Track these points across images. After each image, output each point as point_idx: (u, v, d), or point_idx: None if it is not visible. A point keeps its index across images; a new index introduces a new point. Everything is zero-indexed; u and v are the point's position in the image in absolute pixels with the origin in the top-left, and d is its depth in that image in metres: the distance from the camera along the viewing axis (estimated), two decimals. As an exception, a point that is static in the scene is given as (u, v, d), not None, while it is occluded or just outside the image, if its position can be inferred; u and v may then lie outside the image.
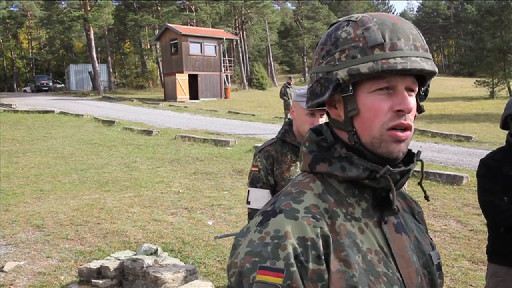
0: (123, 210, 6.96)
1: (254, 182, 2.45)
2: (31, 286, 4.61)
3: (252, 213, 2.42)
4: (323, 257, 0.83)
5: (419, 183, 1.02)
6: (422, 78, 0.94)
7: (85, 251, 5.44)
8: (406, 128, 0.89)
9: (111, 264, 4.48)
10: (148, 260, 4.43)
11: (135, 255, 4.67)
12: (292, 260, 0.80)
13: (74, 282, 4.59)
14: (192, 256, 5.25)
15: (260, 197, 2.41)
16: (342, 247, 0.85)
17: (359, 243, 0.88)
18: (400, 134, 0.89)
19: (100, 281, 4.38)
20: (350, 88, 0.88)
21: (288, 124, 2.59)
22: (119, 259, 4.59)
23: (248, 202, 2.44)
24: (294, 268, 0.80)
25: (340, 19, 0.96)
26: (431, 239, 1.07)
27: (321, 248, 0.83)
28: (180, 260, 4.88)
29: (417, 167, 0.97)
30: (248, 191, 2.47)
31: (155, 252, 4.70)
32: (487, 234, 2.72)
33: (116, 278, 4.45)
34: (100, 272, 4.47)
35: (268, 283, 0.79)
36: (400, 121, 0.88)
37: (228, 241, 5.67)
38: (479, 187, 2.64)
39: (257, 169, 2.45)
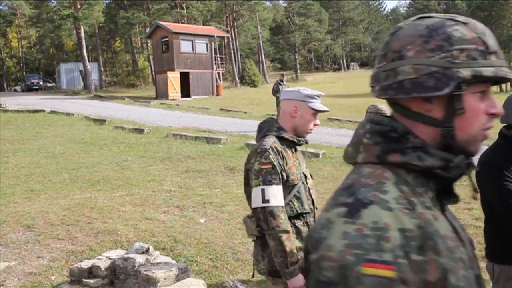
0: (115, 209, 6.93)
1: (270, 179, 2.39)
2: (22, 286, 4.58)
3: (274, 210, 2.34)
4: (423, 248, 0.83)
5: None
6: None
7: (76, 250, 5.41)
8: None
9: (103, 263, 4.46)
10: (140, 259, 4.41)
11: (126, 254, 4.65)
12: (399, 252, 0.80)
13: (65, 282, 4.56)
14: (184, 255, 5.24)
15: (278, 194, 2.38)
16: (428, 235, 0.85)
17: (438, 230, 0.88)
18: (488, 133, 0.96)
19: (91, 281, 4.35)
20: (464, 87, 0.90)
21: (277, 122, 2.62)
22: (110, 258, 4.57)
23: (266, 201, 2.36)
24: (403, 260, 0.79)
25: (433, 14, 0.97)
26: None
27: (420, 238, 0.83)
28: (172, 258, 4.87)
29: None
30: (263, 189, 2.38)
31: (146, 251, 4.69)
32: (484, 233, 2.66)
33: (108, 277, 4.43)
34: (91, 272, 4.44)
35: (379, 276, 0.78)
36: (492, 123, 0.96)
37: (220, 239, 5.67)
38: (496, 188, 2.51)
39: (270, 166, 2.40)
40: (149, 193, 7.84)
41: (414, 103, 0.95)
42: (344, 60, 69.63)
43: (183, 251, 5.34)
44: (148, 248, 4.73)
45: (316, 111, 2.58)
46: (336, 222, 0.85)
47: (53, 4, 45.34)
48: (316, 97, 2.59)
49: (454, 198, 0.99)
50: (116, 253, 4.77)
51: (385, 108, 4.82)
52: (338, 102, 25.07)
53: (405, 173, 0.93)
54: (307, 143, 2.68)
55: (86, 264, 4.53)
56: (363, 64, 73.22)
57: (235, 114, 21.21)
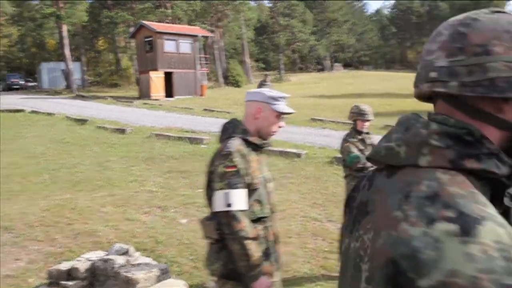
0: (95, 210, 6.85)
1: (234, 183, 2.33)
2: (-2, 289, 4.50)
3: (237, 214, 2.29)
4: None
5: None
6: None
7: (55, 252, 5.33)
8: None
9: (82, 265, 4.40)
10: (120, 260, 4.36)
11: (106, 255, 4.59)
12: None
13: (44, 284, 4.49)
14: (165, 255, 5.19)
15: (242, 198, 2.33)
16: None
17: None
18: None
19: (70, 283, 4.29)
20: None
21: (242, 123, 2.59)
22: (90, 260, 4.51)
23: (229, 204, 2.31)
24: None
25: (505, 10, 0.94)
26: None
27: None
28: (153, 259, 4.82)
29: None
30: (226, 193, 2.32)
31: (127, 252, 4.63)
32: None
33: (87, 279, 4.37)
34: (70, 274, 4.38)
35: None
36: None
37: (201, 240, 5.61)
38: None
39: (235, 169, 2.35)
40: (131, 194, 7.76)
41: (489, 104, 0.89)
42: (328, 61, 69.97)
43: (164, 252, 5.30)
44: (128, 249, 4.68)
45: (280, 114, 2.54)
46: (447, 241, 0.75)
47: (35, 2, 44.75)
48: (280, 98, 2.55)
49: (499, 206, 0.90)
50: (96, 255, 4.71)
51: (368, 109, 4.82)
52: (322, 103, 25.16)
53: (475, 181, 0.85)
54: (269, 146, 2.64)
55: (65, 266, 4.47)
56: (347, 65, 73.66)
57: (219, 114, 21.14)
